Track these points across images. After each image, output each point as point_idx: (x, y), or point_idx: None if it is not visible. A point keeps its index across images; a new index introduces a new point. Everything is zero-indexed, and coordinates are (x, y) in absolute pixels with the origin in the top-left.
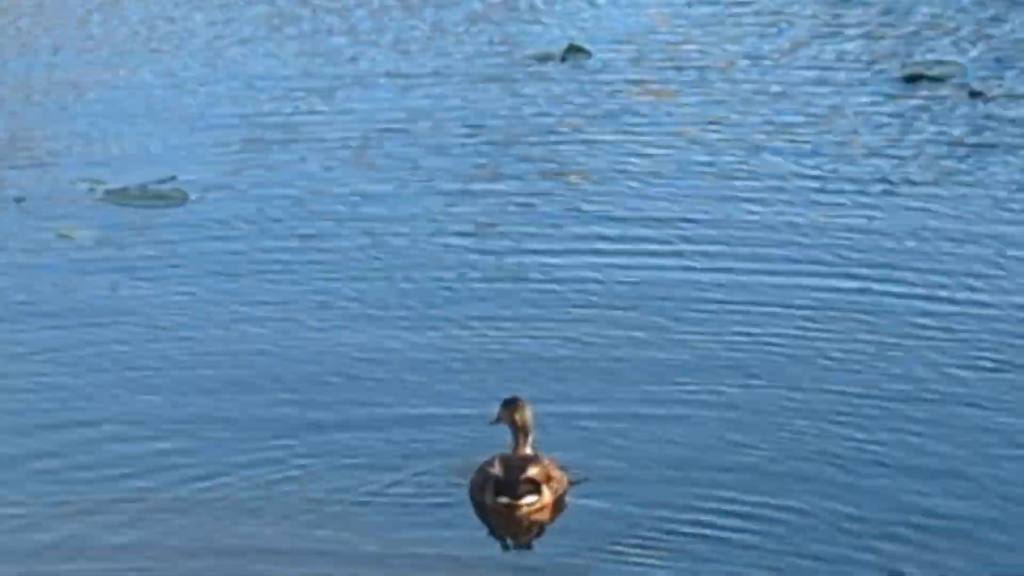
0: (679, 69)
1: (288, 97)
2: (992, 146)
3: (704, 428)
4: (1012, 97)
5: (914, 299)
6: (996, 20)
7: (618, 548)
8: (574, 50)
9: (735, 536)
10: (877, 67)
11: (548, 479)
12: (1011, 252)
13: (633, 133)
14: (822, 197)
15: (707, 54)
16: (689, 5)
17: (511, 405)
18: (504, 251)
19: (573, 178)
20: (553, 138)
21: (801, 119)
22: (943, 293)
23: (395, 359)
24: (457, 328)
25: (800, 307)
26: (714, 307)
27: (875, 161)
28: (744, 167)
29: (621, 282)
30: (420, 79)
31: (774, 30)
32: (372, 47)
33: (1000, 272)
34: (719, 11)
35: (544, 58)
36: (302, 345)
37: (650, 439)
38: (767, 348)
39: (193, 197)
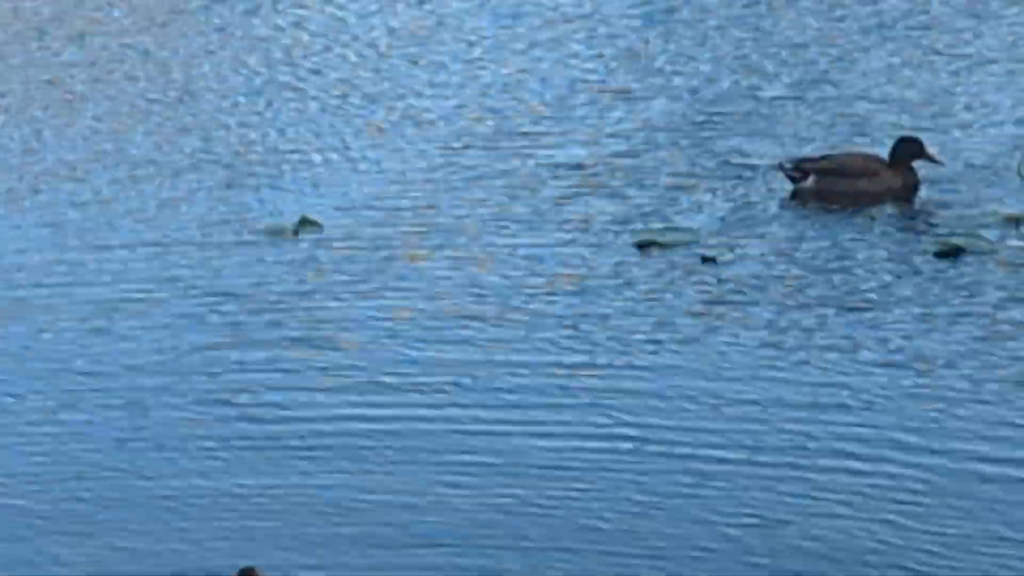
0: (420, 235)
1: (26, 268)
2: (727, 309)
3: None
4: (743, 260)
5: (672, 458)
6: (726, 185)
7: None
8: (307, 223)
9: None
10: (610, 233)
11: None
12: (749, 412)
13: (375, 299)
14: (548, 358)
15: (448, 219)
16: (428, 171)
17: None
18: (257, 417)
19: (322, 344)
20: (296, 306)
21: (538, 282)
22: (697, 449)
23: (139, 519)
24: (206, 496)
25: (566, 468)
26: (477, 470)
27: (613, 328)
28: (492, 330)
29: (379, 446)
30: (156, 249)
31: (519, 193)
32: (110, 215)
33: (743, 428)
34: (457, 176)
35: (276, 231)
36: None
37: None
38: (526, 510)
39: None
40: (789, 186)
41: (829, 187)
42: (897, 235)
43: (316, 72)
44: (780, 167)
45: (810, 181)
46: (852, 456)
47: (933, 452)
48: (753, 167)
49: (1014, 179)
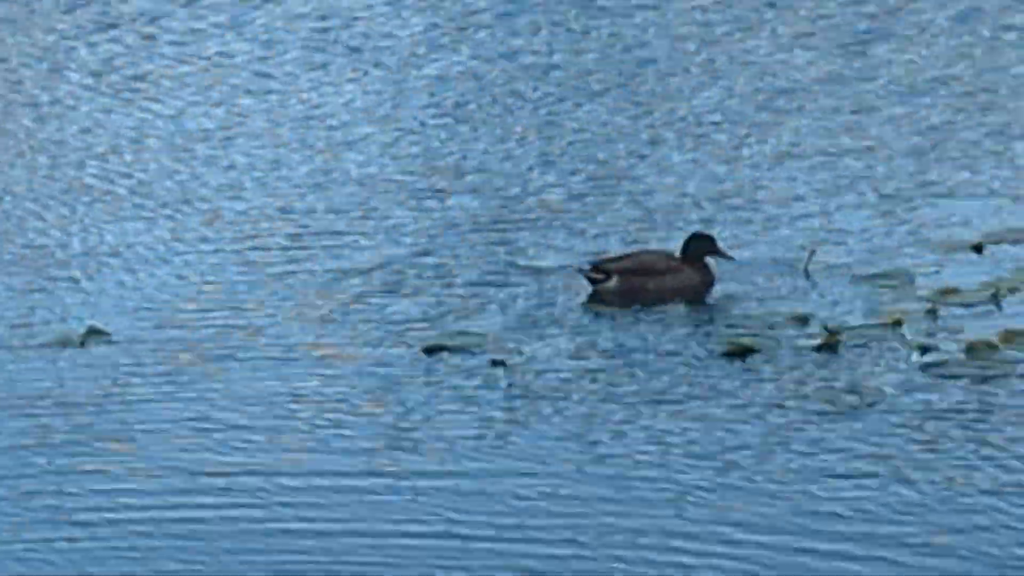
0: (214, 339)
1: None
2: (518, 411)
3: None
4: (534, 362)
5: (496, 555)
6: (522, 286)
7: None
8: (94, 332)
9: None
10: (397, 339)
11: None
12: (566, 508)
13: (165, 406)
14: (347, 463)
15: (242, 323)
16: (224, 274)
17: None
18: (54, 519)
19: (115, 447)
20: (85, 414)
21: (320, 391)
22: (521, 546)
23: None
24: None
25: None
26: None
27: (402, 437)
28: (287, 433)
29: (168, 549)
30: None
31: (314, 294)
32: None
33: (562, 524)
34: (252, 279)
35: (63, 343)
36: None
37: None
38: None
39: None
40: (586, 286)
41: (633, 286)
42: (687, 334)
43: (113, 176)
44: (579, 270)
45: (613, 282)
46: (674, 548)
47: (751, 542)
48: (551, 268)
49: (802, 277)
